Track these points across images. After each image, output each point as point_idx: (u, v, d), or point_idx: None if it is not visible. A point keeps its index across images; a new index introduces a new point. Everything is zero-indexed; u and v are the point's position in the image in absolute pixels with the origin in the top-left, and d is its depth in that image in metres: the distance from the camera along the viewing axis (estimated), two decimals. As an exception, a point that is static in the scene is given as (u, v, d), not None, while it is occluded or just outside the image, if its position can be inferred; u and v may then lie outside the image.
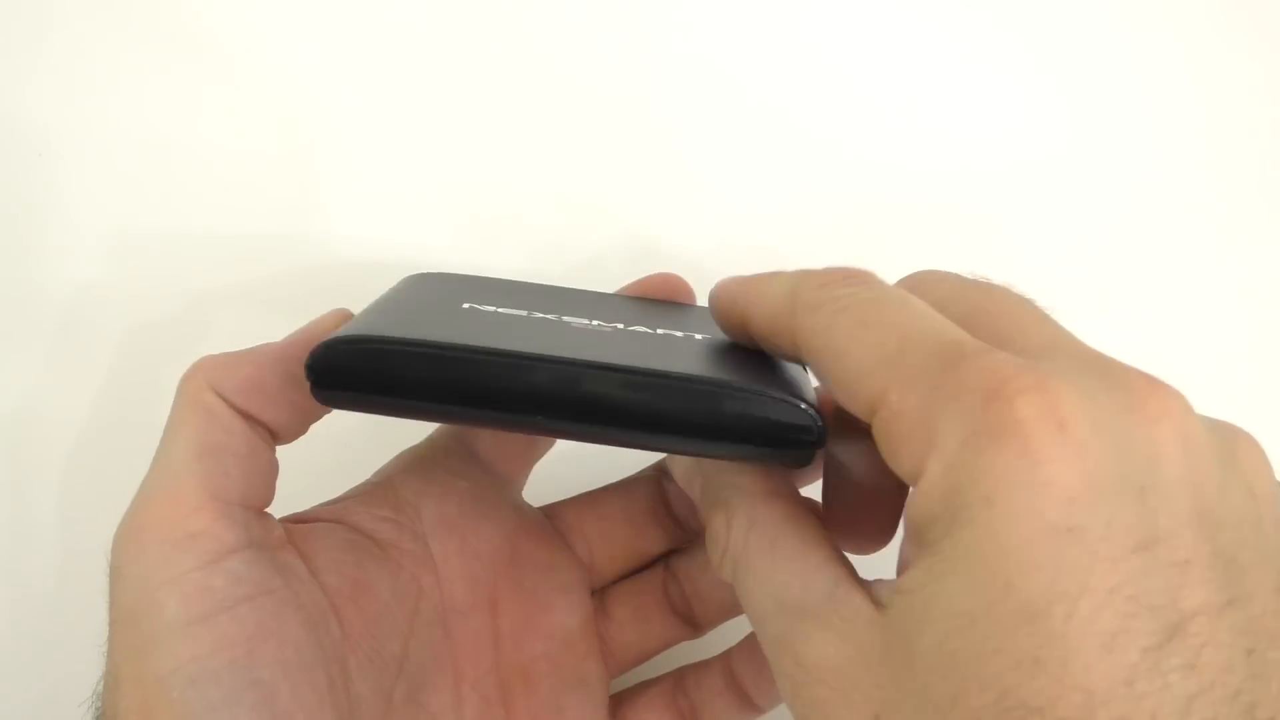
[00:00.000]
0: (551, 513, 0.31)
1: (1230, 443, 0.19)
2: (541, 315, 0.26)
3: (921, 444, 0.18)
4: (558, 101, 0.38)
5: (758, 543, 0.22)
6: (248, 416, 0.25)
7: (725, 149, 0.39)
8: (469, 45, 0.38)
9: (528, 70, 0.38)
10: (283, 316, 0.36)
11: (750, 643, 0.29)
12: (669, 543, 0.31)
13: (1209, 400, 0.20)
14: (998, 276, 0.23)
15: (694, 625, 0.30)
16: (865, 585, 0.20)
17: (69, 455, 0.36)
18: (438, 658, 0.27)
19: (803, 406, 0.23)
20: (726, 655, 0.29)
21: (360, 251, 0.37)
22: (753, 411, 0.22)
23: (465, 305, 0.27)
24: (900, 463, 0.19)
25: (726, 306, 0.25)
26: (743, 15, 0.39)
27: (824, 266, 0.22)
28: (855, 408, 0.20)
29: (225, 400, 0.24)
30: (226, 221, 0.37)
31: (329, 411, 0.25)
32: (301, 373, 0.23)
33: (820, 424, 0.23)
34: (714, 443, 0.22)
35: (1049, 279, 0.39)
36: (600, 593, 0.31)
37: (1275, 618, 0.17)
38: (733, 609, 0.30)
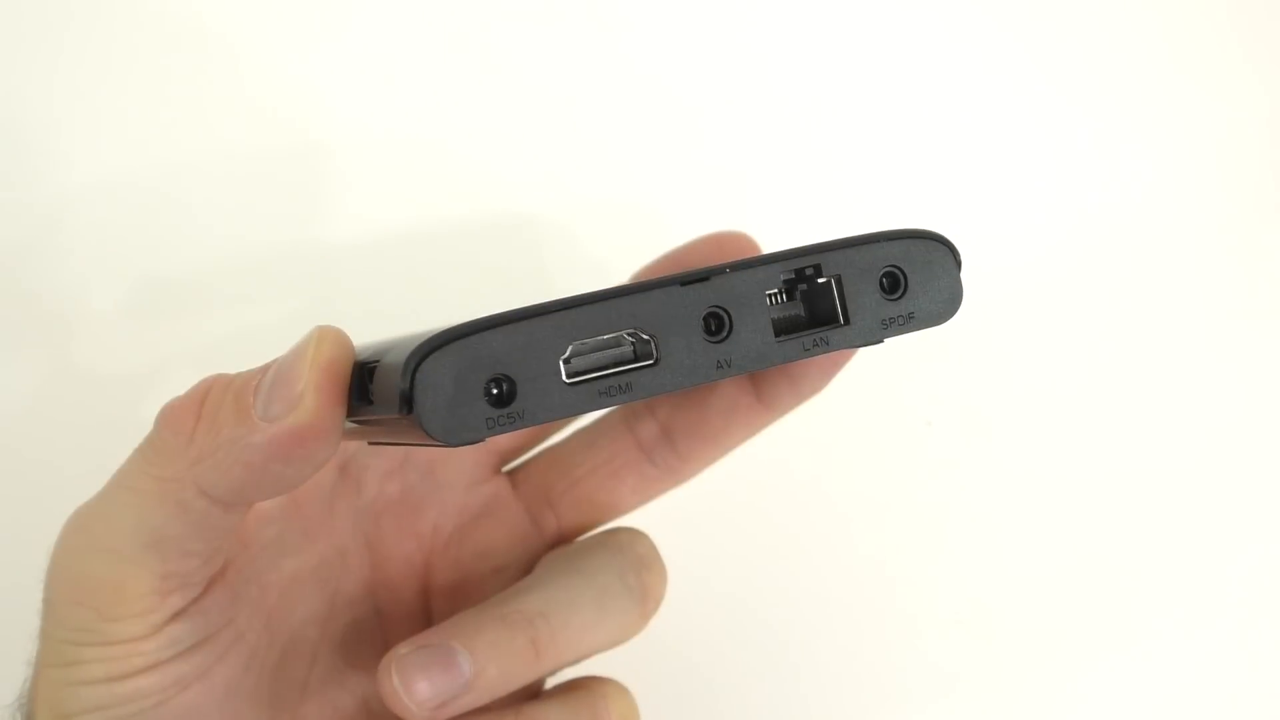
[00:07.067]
0: (519, 476, 0.30)
1: None
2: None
3: None
4: (563, 108, 0.39)
5: None
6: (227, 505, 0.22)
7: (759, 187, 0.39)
8: (467, 50, 0.38)
9: (525, 72, 0.38)
10: (281, 319, 0.36)
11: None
12: None
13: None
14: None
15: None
16: None
17: (68, 455, 0.36)
18: (366, 635, 0.27)
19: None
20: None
21: (355, 251, 0.37)
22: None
23: None
24: None
25: None
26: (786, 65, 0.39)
27: None
28: None
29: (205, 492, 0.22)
30: (226, 220, 0.37)
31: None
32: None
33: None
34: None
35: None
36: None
37: None
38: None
